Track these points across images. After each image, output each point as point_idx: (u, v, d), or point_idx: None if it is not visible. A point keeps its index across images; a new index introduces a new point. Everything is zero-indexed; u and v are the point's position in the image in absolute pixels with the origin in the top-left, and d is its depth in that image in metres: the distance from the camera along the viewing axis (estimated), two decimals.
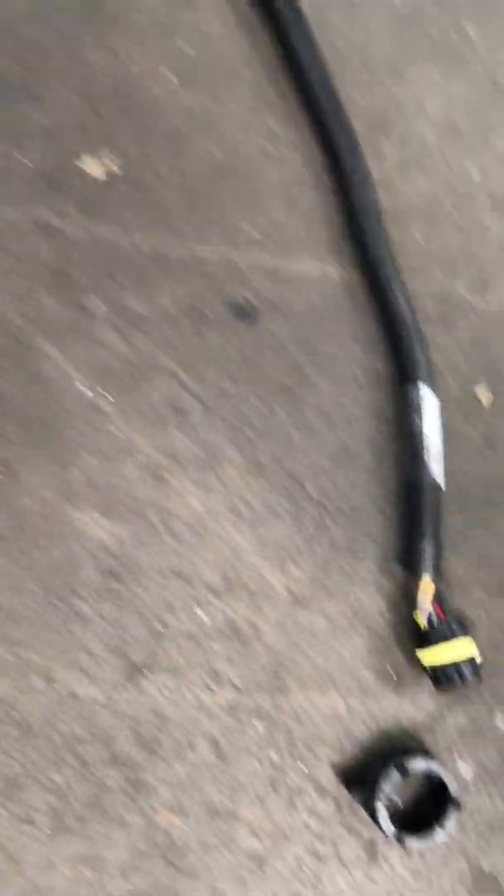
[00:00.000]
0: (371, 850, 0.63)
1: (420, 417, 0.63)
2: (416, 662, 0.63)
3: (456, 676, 0.59)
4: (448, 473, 0.66)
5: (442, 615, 0.61)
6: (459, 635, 0.60)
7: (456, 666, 0.59)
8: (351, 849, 0.63)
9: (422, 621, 0.61)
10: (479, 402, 0.66)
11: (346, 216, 0.65)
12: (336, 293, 0.65)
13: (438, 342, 0.66)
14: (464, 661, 0.59)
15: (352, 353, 0.65)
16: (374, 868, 0.63)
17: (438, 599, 0.62)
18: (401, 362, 0.63)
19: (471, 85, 0.69)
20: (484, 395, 0.66)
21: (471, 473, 0.66)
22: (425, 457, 0.62)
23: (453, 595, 0.65)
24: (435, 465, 0.62)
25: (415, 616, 0.62)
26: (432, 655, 0.60)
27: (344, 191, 0.64)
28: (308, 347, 0.64)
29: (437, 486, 0.62)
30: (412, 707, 0.64)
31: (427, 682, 0.64)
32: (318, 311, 0.64)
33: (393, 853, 0.63)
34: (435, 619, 0.61)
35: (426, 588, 0.61)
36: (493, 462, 0.66)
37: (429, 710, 0.64)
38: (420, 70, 0.68)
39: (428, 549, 0.61)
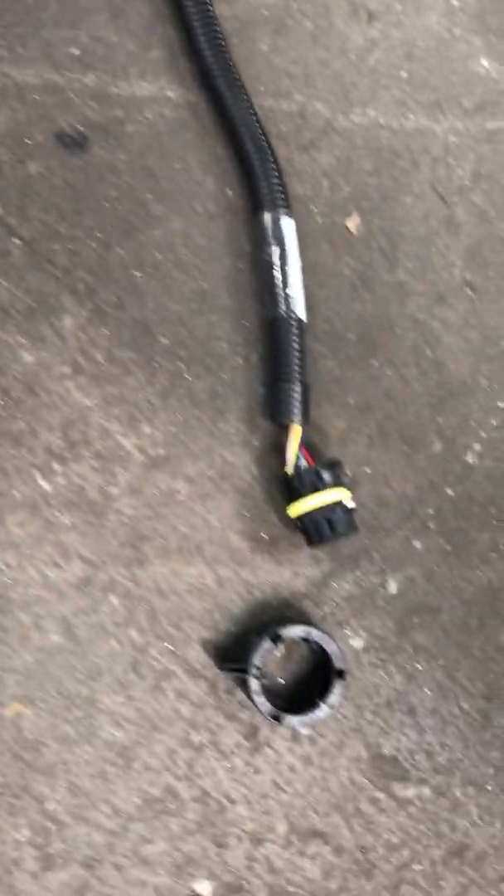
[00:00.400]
0: (253, 737, 0.58)
1: (276, 247, 0.57)
2: (293, 525, 0.57)
3: (325, 525, 0.54)
4: (320, 316, 0.62)
5: (312, 463, 0.55)
6: (331, 484, 0.54)
7: (325, 513, 0.53)
8: (229, 736, 0.57)
9: (289, 470, 0.55)
10: (349, 231, 0.59)
11: (181, 30, 0.58)
12: (178, 116, 0.60)
13: (300, 168, 0.61)
14: (332, 508, 0.53)
15: (200, 182, 0.60)
16: (257, 756, 0.58)
17: (308, 447, 0.56)
18: (252, 188, 0.58)
19: None
20: (353, 223, 0.59)
21: (345, 314, 0.61)
22: (284, 290, 0.56)
23: (333, 450, 0.61)
24: (295, 298, 0.57)
25: (285, 470, 0.56)
26: (300, 507, 0.53)
27: (178, 4, 0.57)
28: (149, 177, 0.59)
29: (298, 322, 0.56)
30: (292, 575, 0.59)
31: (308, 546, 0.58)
32: (159, 137, 0.59)
33: (278, 739, 0.58)
34: (304, 467, 0.55)
35: (293, 434, 0.55)
36: (369, 300, 0.61)
37: (312, 577, 0.59)
38: None
39: (293, 393, 0.56)
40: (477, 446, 0.67)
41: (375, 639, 0.64)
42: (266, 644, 0.59)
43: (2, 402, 0.60)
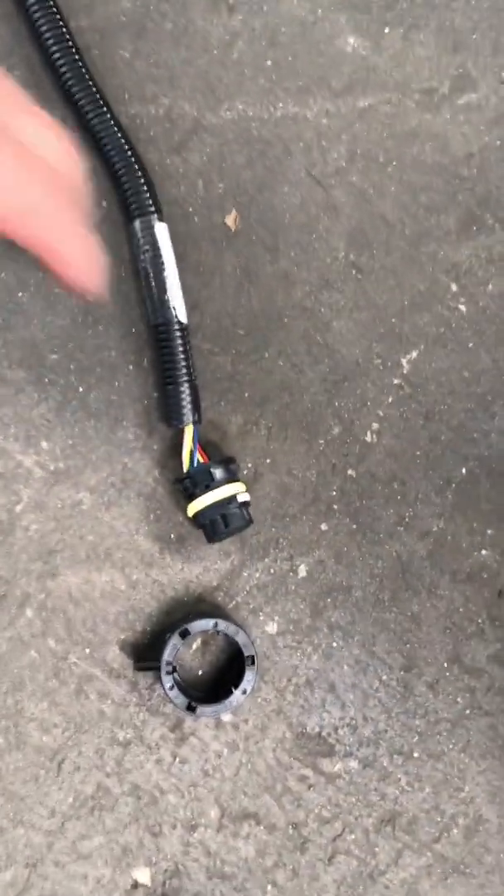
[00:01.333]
0: (178, 729, 0.61)
1: (151, 253, 0.59)
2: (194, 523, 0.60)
3: (220, 521, 0.56)
4: (208, 314, 0.65)
5: (206, 460, 0.58)
6: (224, 481, 0.57)
7: (219, 510, 0.56)
8: (155, 730, 0.61)
9: (185, 468, 0.58)
10: (228, 227, 0.61)
11: (38, 49, 0.60)
12: None
13: (172, 171, 0.63)
14: (226, 504, 0.56)
15: None
16: (183, 747, 0.61)
17: (204, 446, 0.59)
18: (122, 198, 0.60)
19: None
20: (231, 219, 0.61)
21: (232, 310, 0.63)
22: (162, 295, 0.59)
23: (232, 445, 0.63)
24: (175, 302, 0.59)
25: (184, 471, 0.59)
26: (195, 506, 0.56)
27: (32, 24, 0.59)
28: None
29: (180, 325, 0.59)
30: (202, 570, 0.62)
31: (217, 544, 0.60)
32: None
33: (202, 729, 0.61)
34: (198, 466, 0.58)
35: (187, 435, 0.58)
36: (254, 294, 0.63)
37: (222, 570, 0.62)
38: None
39: (182, 395, 0.59)
40: (375, 425, 0.69)
41: (290, 622, 0.67)
42: (174, 640, 0.62)
43: None
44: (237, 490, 0.62)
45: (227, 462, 0.63)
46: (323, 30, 0.69)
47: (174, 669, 0.62)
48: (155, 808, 0.64)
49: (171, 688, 0.61)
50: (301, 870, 0.66)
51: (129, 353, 0.66)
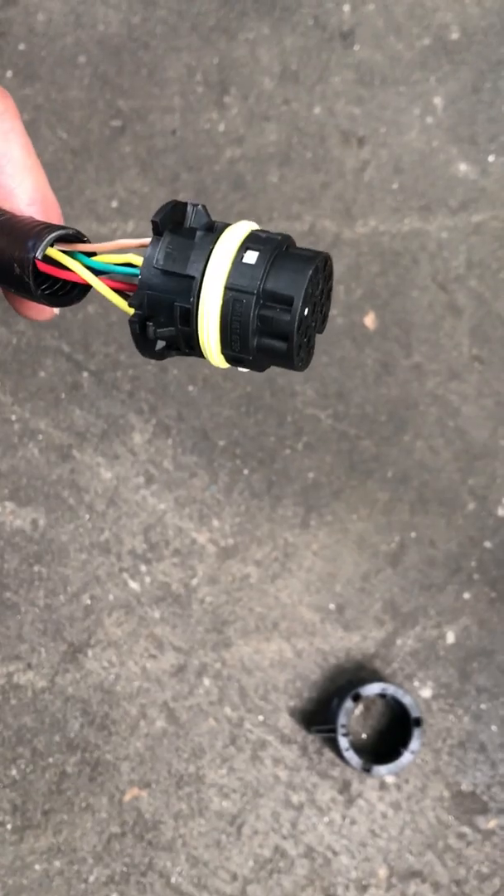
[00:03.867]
0: (346, 791, 0.65)
1: None
2: (359, 592, 0.65)
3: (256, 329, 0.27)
4: (353, 403, 0.71)
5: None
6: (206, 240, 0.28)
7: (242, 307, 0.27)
8: (325, 793, 0.64)
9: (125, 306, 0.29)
10: (367, 327, 0.70)
11: None
12: None
13: None
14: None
15: None
16: (352, 808, 0.65)
17: None
18: None
19: (300, 33, 0.74)
20: (369, 319, 0.70)
21: (374, 399, 0.70)
22: None
23: (377, 518, 0.68)
24: None
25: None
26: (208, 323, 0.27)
27: None
28: None
29: None
30: (361, 639, 0.67)
31: (372, 611, 0.66)
32: None
33: (369, 790, 0.65)
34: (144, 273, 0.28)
35: (73, 265, 0.28)
36: (392, 384, 0.70)
37: (378, 638, 0.67)
38: (249, 27, 0.74)
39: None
40: None
41: (441, 686, 0.72)
42: (349, 704, 0.67)
43: (88, 517, 0.69)
44: (242, 230, 0.28)
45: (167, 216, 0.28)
46: (438, 158, 0.80)
47: (348, 732, 0.66)
48: (328, 870, 0.68)
49: (347, 749, 0.66)
50: None
51: (285, 439, 0.73)
